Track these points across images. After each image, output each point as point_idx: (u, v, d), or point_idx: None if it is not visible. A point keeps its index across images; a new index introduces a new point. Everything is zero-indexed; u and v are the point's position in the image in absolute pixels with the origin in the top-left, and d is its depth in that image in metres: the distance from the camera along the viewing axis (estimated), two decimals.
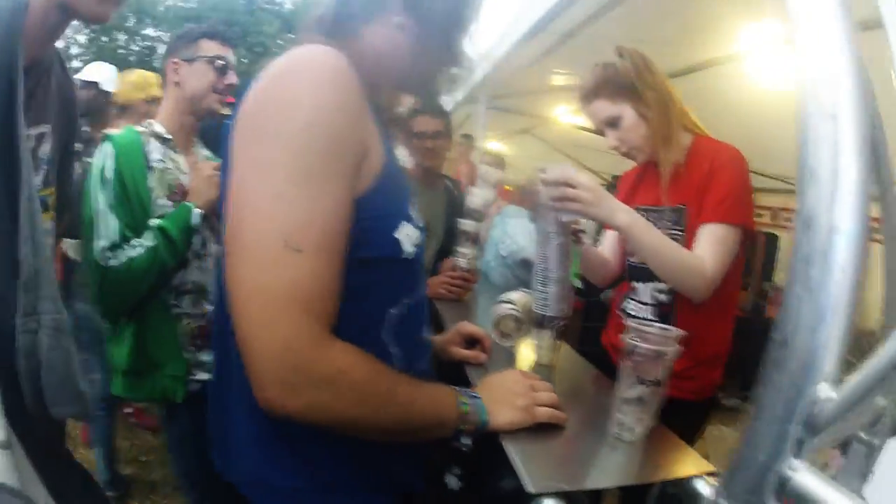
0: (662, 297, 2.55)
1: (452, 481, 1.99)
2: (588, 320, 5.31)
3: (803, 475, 0.82)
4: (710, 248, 2.31)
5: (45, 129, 1.92)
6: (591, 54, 2.57)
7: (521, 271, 4.06)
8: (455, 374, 2.07)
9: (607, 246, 2.92)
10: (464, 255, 3.34)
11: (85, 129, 5.08)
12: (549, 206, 2.09)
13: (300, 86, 1.26)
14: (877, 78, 0.95)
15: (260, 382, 1.21)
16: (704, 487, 1.40)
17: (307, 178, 1.22)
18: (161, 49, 36.05)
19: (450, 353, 2.12)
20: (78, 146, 4.79)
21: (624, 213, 2.17)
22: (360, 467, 1.48)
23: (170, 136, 2.72)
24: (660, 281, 2.47)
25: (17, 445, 1.48)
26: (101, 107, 5.35)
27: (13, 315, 1.55)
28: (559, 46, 4.93)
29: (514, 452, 1.48)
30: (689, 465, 1.53)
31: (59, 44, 2.02)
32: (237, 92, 2.73)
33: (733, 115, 4.65)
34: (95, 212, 2.47)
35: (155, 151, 2.64)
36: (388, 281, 1.48)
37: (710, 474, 1.44)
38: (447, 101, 3.78)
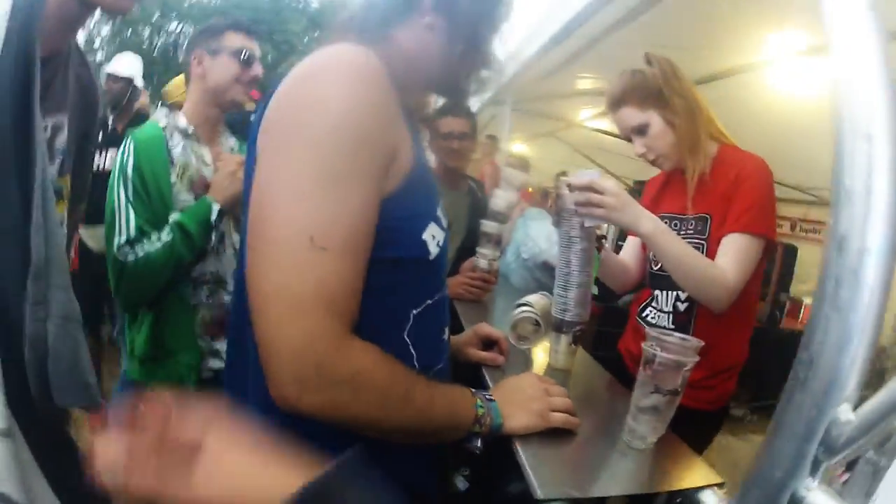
0: (682, 305, 2.54)
1: (460, 482, 1.99)
2: (604, 325, 5.30)
3: (817, 495, 0.82)
4: (732, 258, 2.30)
5: (62, 119, 1.92)
6: (616, 59, 2.57)
7: (542, 274, 4.05)
8: (471, 374, 2.07)
9: (628, 252, 2.91)
10: (484, 257, 3.34)
11: (111, 120, 5.12)
12: (574, 211, 2.09)
13: (330, 85, 1.25)
14: None
15: (277, 379, 1.21)
16: (712, 498, 1.40)
17: (334, 177, 1.21)
18: (185, 42, 36.18)
19: (467, 354, 2.12)
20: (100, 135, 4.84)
21: (648, 221, 2.16)
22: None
23: (192, 130, 2.72)
24: (680, 290, 2.47)
25: (19, 434, 1.48)
26: (129, 100, 5.39)
27: (23, 304, 1.55)
28: (585, 51, 4.93)
29: (525, 456, 1.48)
30: (698, 475, 1.53)
31: (82, 36, 2.02)
32: (264, 89, 2.73)
33: (754, 124, 4.65)
34: (115, 207, 2.49)
35: (177, 146, 2.65)
36: (412, 281, 1.47)
37: (719, 486, 1.44)
38: (473, 102, 3.78)
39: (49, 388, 1.61)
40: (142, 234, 2.47)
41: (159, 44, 35.54)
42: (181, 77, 4.39)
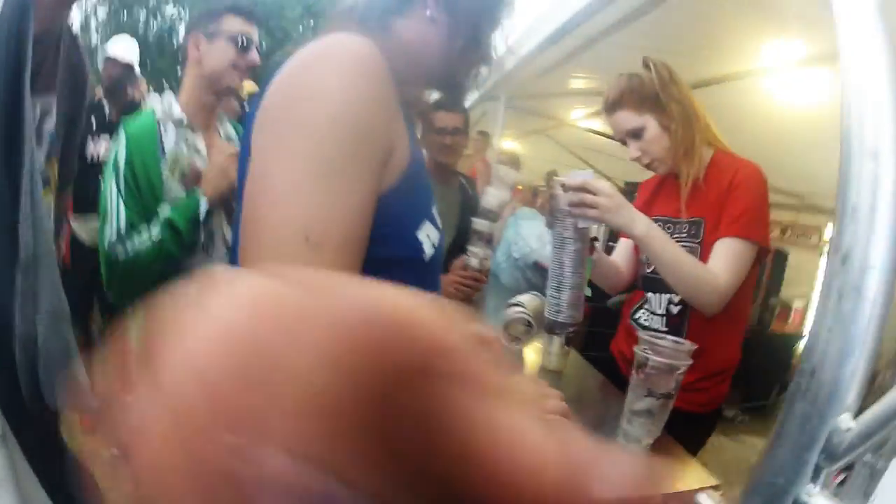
0: (675, 308, 2.54)
1: None
2: (594, 325, 5.31)
3: (819, 500, 0.83)
4: (725, 262, 2.31)
5: (51, 101, 1.90)
6: (612, 61, 2.59)
7: (533, 274, 4.06)
8: None
9: (619, 254, 2.91)
10: (475, 255, 3.31)
11: (106, 105, 5.08)
12: (568, 212, 2.09)
13: (329, 76, 1.22)
14: None
15: None
16: (708, 501, 1.40)
17: (331, 172, 1.18)
18: (181, 28, 36.03)
19: None
20: (93, 122, 4.82)
21: (642, 222, 2.18)
22: None
23: (186, 119, 2.68)
24: (673, 293, 2.47)
25: (12, 439, 1.47)
26: (127, 84, 5.34)
27: (12, 300, 1.54)
28: (582, 51, 4.93)
29: None
30: (693, 478, 1.53)
31: (78, 18, 2.00)
32: (260, 78, 2.70)
33: (747, 130, 4.65)
34: (107, 201, 2.47)
35: (169, 136, 2.62)
36: (406, 281, 1.42)
37: (714, 488, 1.45)
38: (467, 98, 3.78)
39: (40, 389, 1.60)
40: (132, 229, 2.46)
41: (155, 27, 35.35)
42: None
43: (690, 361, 1.65)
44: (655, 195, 2.75)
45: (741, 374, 2.71)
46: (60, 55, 1.93)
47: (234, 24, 2.70)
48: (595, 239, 2.43)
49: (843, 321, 0.81)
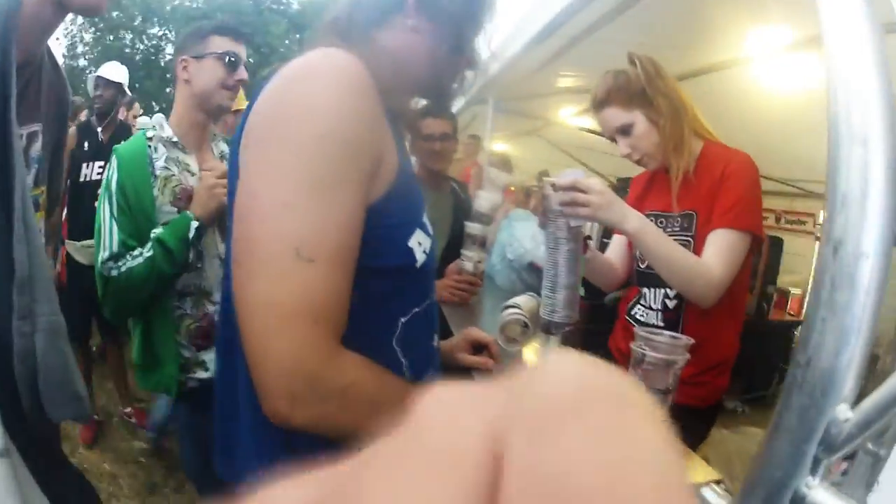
0: (670, 302, 2.55)
1: None
2: (591, 323, 5.31)
3: (818, 492, 0.82)
4: (718, 253, 2.31)
5: (37, 127, 1.91)
6: (598, 57, 2.59)
7: (528, 275, 4.06)
8: (462, 379, 2.06)
9: (613, 251, 2.92)
10: (470, 259, 3.33)
11: (99, 129, 5.11)
12: (560, 211, 2.08)
13: (315, 91, 1.24)
14: None
15: (267, 393, 1.20)
16: (712, 496, 1.40)
17: (320, 186, 1.20)
18: (168, 48, 36.20)
19: (457, 359, 2.11)
20: (86, 145, 4.84)
21: (634, 218, 2.17)
22: None
23: (177, 140, 2.71)
24: (668, 287, 2.47)
25: (15, 452, 1.48)
26: (116, 107, 5.38)
27: (9, 317, 1.54)
28: (567, 49, 4.93)
29: None
30: (696, 473, 1.53)
31: (65, 42, 2.01)
32: (248, 95, 2.71)
33: (738, 119, 4.66)
34: (101, 223, 2.51)
35: (160, 158, 2.64)
36: (399, 289, 1.47)
37: (717, 482, 1.44)
38: (454, 103, 3.79)
39: (41, 403, 1.60)
40: (125, 248, 2.49)
41: (141, 49, 35.46)
42: None
43: (687, 356, 1.64)
44: (647, 190, 2.76)
45: (741, 366, 2.70)
46: (44, 84, 1.93)
47: (220, 43, 2.72)
48: (588, 237, 2.42)
49: (836, 311, 0.80)
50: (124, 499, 4.54)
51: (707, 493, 1.40)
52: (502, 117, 7.52)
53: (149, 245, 2.49)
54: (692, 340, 1.70)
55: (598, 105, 2.55)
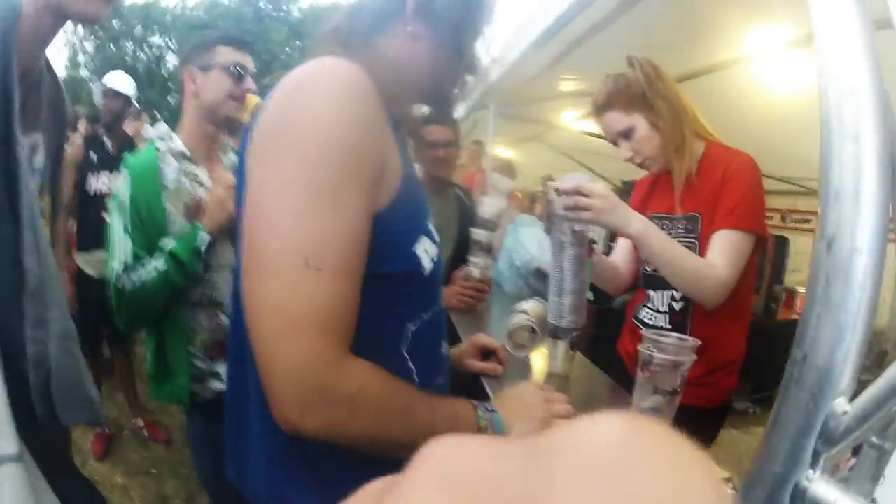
0: (677, 304, 2.55)
1: None
2: (600, 327, 5.30)
3: (819, 485, 0.83)
4: (722, 254, 2.31)
5: (38, 137, 1.92)
6: (599, 60, 2.59)
7: (535, 281, 4.06)
8: (471, 385, 2.07)
9: (619, 254, 2.92)
10: (476, 265, 3.34)
11: (106, 139, 5.12)
12: (564, 216, 2.09)
13: (318, 101, 1.24)
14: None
15: (278, 401, 1.21)
16: None
17: (326, 195, 1.20)
18: (169, 57, 36.19)
19: (465, 365, 2.12)
20: (94, 156, 4.87)
21: (638, 221, 2.18)
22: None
23: (187, 151, 2.71)
24: (674, 289, 2.48)
25: (29, 458, 1.49)
26: (124, 117, 5.39)
27: (21, 325, 1.56)
28: (568, 53, 4.93)
29: None
30: None
31: (66, 52, 2.02)
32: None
33: (741, 119, 4.66)
34: (113, 235, 2.52)
35: (171, 170, 2.64)
36: (406, 296, 1.47)
37: (727, 480, 1.44)
38: (457, 109, 3.80)
39: (54, 408, 1.62)
40: (138, 261, 2.50)
41: (143, 58, 35.48)
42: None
43: (694, 357, 1.65)
44: (651, 193, 2.76)
45: (750, 366, 2.70)
46: (43, 95, 1.94)
47: (226, 54, 2.73)
48: (593, 241, 2.43)
49: (831, 307, 0.81)
50: None
51: None
52: (505, 122, 7.53)
53: (161, 257, 2.50)
54: (699, 342, 1.71)
55: (599, 109, 2.57)
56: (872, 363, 0.87)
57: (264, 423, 1.35)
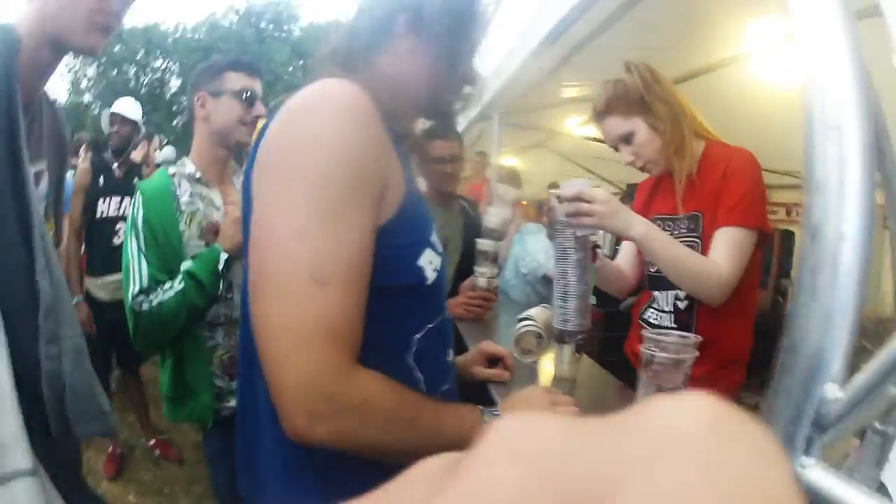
0: (681, 304, 2.56)
1: None
2: (609, 330, 5.31)
3: (814, 471, 0.83)
4: (725, 251, 2.32)
5: (42, 166, 1.95)
6: (599, 65, 2.60)
7: (543, 287, 4.08)
8: (479, 393, 2.09)
9: (624, 257, 2.93)
10: (483, 275, 3.36)
11: (115, 164, 5.17)
12: (566, 222, 2.11)
13: (319, 122, 1.28)
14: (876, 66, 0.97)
15: (287, 413, 1.23)
16: None
17: (330, 212, 1.23)
18: (172, 80, 36.36)
19: (473, 373, 2.14)
20: (102, 181, 4.91)
21: (639, 224, 2.19)
22: None
23: (200, 175, 2.75)
24: (678, 289, 2.48)
25: (43, 472, 1.51)
26: (132, 143, 5.44)
27: (36, 345, 1.58)
28: (568, 60, 4.94)
29: None
30: None
31: (68, 77, 2.05)
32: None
33: (743, 115, 4.67)
34: (129, 259, 2.54)
35: (184, 193, 2.68)
36: (412, 307, 1.50)
37: None
38: (460, 121, 3.82)
39: (68, 423, 1.65)
40: (156, 283, 2.52)
41: (146, 82, 35.67)
42: None
43: (696, 354, 1.65)
44: (653, 195, 2.78)
45: (760, 360, 2.70)
46: (44, 123, 1.97)
47: (236, 79, 2.78)
48: (597, 246, 2.44)
49: (819, 295, 0.82)
50: None
51: None
52: (509, 132, 7.53)
53: (179, 278, 2.53)
54: (700, 338, 1.71)
55: (599, 116, 2.59)
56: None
57: (274, 435, 1.37)
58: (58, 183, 2.12)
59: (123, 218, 4.76)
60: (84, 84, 33.78)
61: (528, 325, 2.38)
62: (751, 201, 2.37)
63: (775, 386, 0.88)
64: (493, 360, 2.20)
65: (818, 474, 0.83)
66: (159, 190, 2.64)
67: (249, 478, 1.61)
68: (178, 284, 2.51)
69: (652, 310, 2.71)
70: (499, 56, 5.38)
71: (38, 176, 1.93)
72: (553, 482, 0.25)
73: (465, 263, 3.60)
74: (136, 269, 2.52)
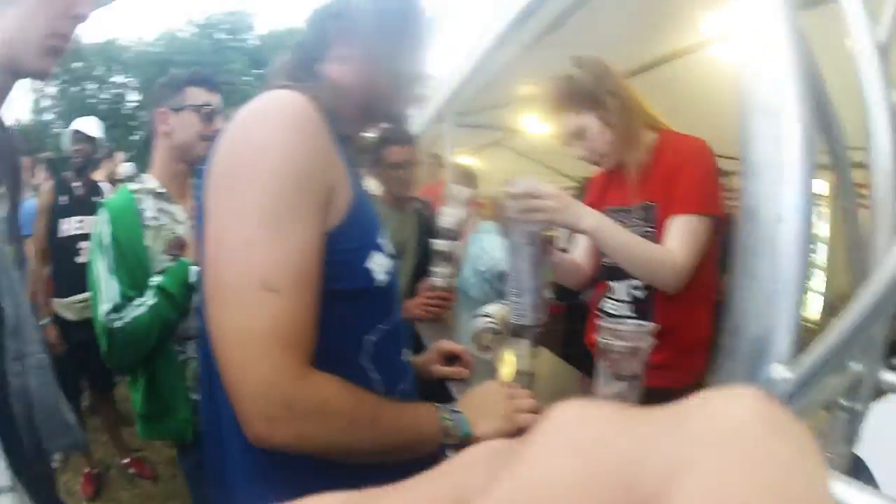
0: (639, 293, 2.57)
1: None
2: (570, 322, 5.34)
3: None
4: (679, 239, 2.33)
5: (3, 189, 1.95)
6: (555, 62, 2.58)
7: (501, 285, 4.08)
8: (439, 391, 2.09)
9: (580, 250, 2.94)
10: (439, 275, 3.37)
11: (76, 183, 5.14)
12: (517, 219, 2.12)
13: (265, 133, 1.31)
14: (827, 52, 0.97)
15: (247, 419, 1.25)
16: None
17: (278, 220, 1.26)
18: (130, 95, 36.20)
19: (431, 371, 2.15)
20: (63, 200, 4.89)
21: (589, 217, 2.20)
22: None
23: (163, 190, 2.75)
24: (634, 278, 2.50)
25: (21, 489, 1.51)
26: (94, 161, 5.42)
27: (3, 363, 1.59)
28: (523, 57, 4.95)
29: None
30: None
31: (31, 96, 2.05)
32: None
33: (706, 102, 4.68)
34: (97, 277, 2.53)
35: (149, 209, 2.67)
36: (363, 309, 1.52)
37: None
38: (416, 123, 3.80)
39: (39, 438, 1.65)
40: (126, 299, 2.51)
41: (105, 98, 35.50)
42: None
43: (653, 341, 1.67)
44: (606, 187, 2.78)
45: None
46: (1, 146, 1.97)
47: (197, 94, 2.79)
48: (551, 239, 2.45)
49: (758, 276, 0.82)
50: None
51: None
52: (466, 132, 7.55)
53: (151, 293, 2.52)
54: (657, 326, 1.73)
55: (549, 113, 2.59)
56: None
57: (239, 443, 1.39)
58: (14, 206, 2.12)
59: (85, 237, 4.72)
60: (45, 103, 33.68)
61: (485, 322, 2.40)
62: (704, 188, 2.38)
63: (719, 369, 0.88)
64: (451, 358, 2.21)
65: None
66: (124, 206, 2.63)
67: (219, 488, 1.63)
68: (149, 300, 2.51)
69: (610, 300, 2.72)
70: (454, 56, 5.39)
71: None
72: (611, 472, 0.26)
73: (423, 265, 3.62)
74: (106, 287, 2.51)
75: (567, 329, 5.34)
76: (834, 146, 1.09)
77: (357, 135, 1.73)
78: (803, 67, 0.84)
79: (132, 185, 2.72)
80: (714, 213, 2.38)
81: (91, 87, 35.33)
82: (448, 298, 3.45)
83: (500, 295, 3.87)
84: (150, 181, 2.75)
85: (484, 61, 4.80)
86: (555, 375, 2.36)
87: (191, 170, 2.88)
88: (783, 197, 0.81)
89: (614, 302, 2.68)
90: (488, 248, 4.41)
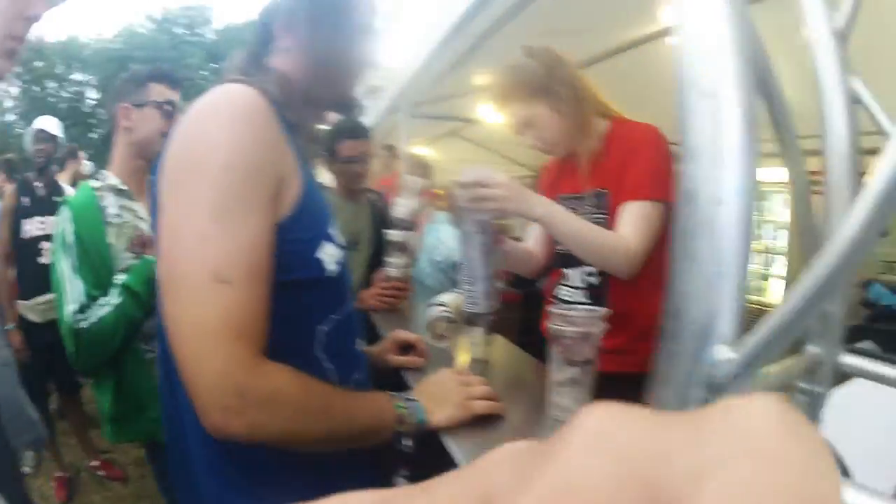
0: (593, 279, 2.58)
1: (401, 483, 2.03)
2: (527, 310, 5.37)
3: None
4: (631, 225, 2.34)
5: None
6: (510, 51, 2.58)
7: (456, 274, 4.10)
8: (395, 380, 2.10)
9: (533, 238, 2.95)
10: (394, 265, 3.40)
11: (38, 183, 5.12)
12: (468, 208, 2.12)
13: (215, 126, 1.33)
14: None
15: (203, 409, 1.27)
16: None
17: (229, 213, 1.28)
18: (90, 93, 35.98)
19: (387, 361, 2.17)
20: (26, 201, 4.86)
21: (540, 205, 2.20)
22: (317, 484, 1.49)
23: (125, 187, 2.74)
24: (588, 265, 2.51)
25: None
26: (57, 160, 5.40)
27: None
28: (478, 47, 4.94)
29: (457, 450, 1.53)
30: None
31: None
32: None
33: (663, 91, 4.69)
34: (61, 277, 2.51)
35: (111, 206, 2.65)
36: (314, 300, 1.54)
37: None
38: (369, 115, 3.80)
39: (6, 436, 1.65)
40: (91, 299, 2.49)
41: (65, 97, 35.31)
42: None
43: (604, 325, 1.68)
44: (559, 176, 2.79)
45: None
46: None
47: (159, 90, 2.79)
48: (502, 228, 2.45)
49: (698, 259, 0.83)
50: None
51: None
52: (421, 122, 7.54)
53: (116, 292, 2.51)
54: (609, 311, 1.74)
55: (500, 102, 2.59)
56: None
57: (198, 436, 1.41)
58: None
59: (48, 237, 4.66)
60: (8, 104, 33.47)
61: (439, 311, 2.41)
62: (656, 175, 2.38)
63: (661, 351, 0.89)
64: (406, 348, 2.24)
65: None
66: (86, 204, 2.61)
67: (182, 481, 1.65)
68: (114, 299, 2.50)
69: (564, 287, 2.72)
70: (408, 47, 5.39)
71: None
72: (640, 474, 0.27)
73: (378, 255, 3.64)
74: (71, 287, 2.49)
75: (523, 317, 5.39)
76: (783, 133, 1.09)
77: (308, 125, 1.74)
78: (745, 50, 0.84)
79: (94, 183, 2.71)
80: (666, 199, 2.37)
81: (52, 85, 35.19)
82: (403, 288, 3.47)
83: (455, 284, 3.89)
84: (111, 178, 2.74)
85: (439, 51, 4.79)
86: (511, 363, 2.37)
87: (150, 166, 2.84)
88: (723, 180, 0.82)
89: (569, 289, 2.69)
90: (444, 238, 4.43)
